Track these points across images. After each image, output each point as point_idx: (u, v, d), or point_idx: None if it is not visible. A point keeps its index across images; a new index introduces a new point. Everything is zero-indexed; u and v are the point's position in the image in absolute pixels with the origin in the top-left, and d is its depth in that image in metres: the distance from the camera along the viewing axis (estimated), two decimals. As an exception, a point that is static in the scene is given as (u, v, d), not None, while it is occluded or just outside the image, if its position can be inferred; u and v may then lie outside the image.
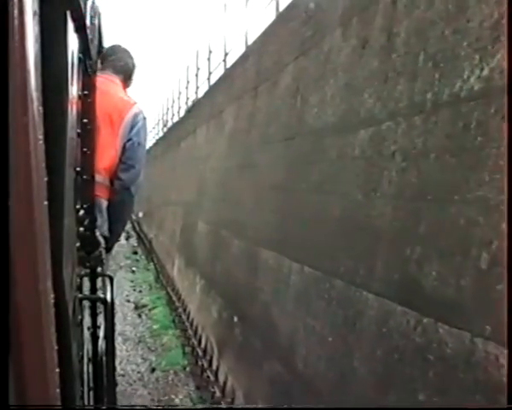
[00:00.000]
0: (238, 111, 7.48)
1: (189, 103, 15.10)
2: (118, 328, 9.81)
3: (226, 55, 9.85)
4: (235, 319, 5.81)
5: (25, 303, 0.58)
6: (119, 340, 9.36)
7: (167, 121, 20.58)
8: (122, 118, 2.71)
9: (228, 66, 9.54)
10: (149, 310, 11.62)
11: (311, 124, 4.48)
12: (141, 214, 22.03)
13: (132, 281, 14.71)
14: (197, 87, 13.55)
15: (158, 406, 6.50)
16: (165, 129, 21.10)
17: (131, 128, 2.64)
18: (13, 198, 0.55)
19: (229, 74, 8.93)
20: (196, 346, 7.58)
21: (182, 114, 16.66)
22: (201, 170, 9.84)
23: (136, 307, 11.96)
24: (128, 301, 12.55)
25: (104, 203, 2.58)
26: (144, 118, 2.80)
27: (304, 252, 4.21)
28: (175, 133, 16.09)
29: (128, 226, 26.11)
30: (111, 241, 2.76)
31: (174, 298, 10.66)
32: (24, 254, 0.58)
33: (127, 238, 23.19)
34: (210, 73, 11.61)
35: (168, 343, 9.04)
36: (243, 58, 7.81)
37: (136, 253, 19.16)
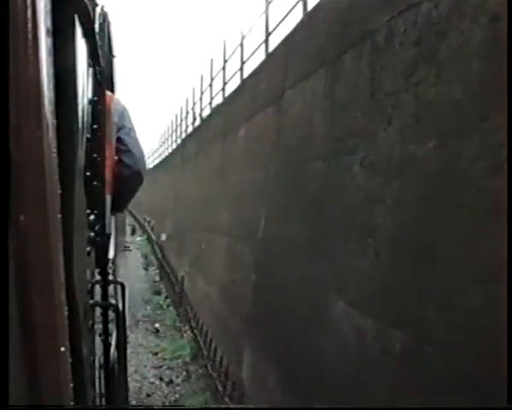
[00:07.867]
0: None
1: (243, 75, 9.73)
2: None
3: None
4: None
5: (39, 315, 0.58)
6: None
7: (202, 110, 15.22)
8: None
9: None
10: (193, 441, 6.21)
11: None
12: (164, 237, 16.46)
13: (156, 354, 9.23)
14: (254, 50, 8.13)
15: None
16: (195, 123, 15.78)
17: (119, 117, 2.58)
18: (27, 212, 0.55)
19: None
20: None
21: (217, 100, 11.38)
22: (319, 173, 4.41)
23: (168, 429, 6.57)
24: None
25: (108, 199, 2.47)
26: (124, 105, 2.77)
27: None
28: (221, 120, 10.65)
29: (147, 249, 20.56)
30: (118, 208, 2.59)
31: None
32: (39, 268, 0.57)
33: (146, 267, 17.64)
34: (284, 17, 6.18)
35: None
36: None
37: (159, 293, 13.63)
